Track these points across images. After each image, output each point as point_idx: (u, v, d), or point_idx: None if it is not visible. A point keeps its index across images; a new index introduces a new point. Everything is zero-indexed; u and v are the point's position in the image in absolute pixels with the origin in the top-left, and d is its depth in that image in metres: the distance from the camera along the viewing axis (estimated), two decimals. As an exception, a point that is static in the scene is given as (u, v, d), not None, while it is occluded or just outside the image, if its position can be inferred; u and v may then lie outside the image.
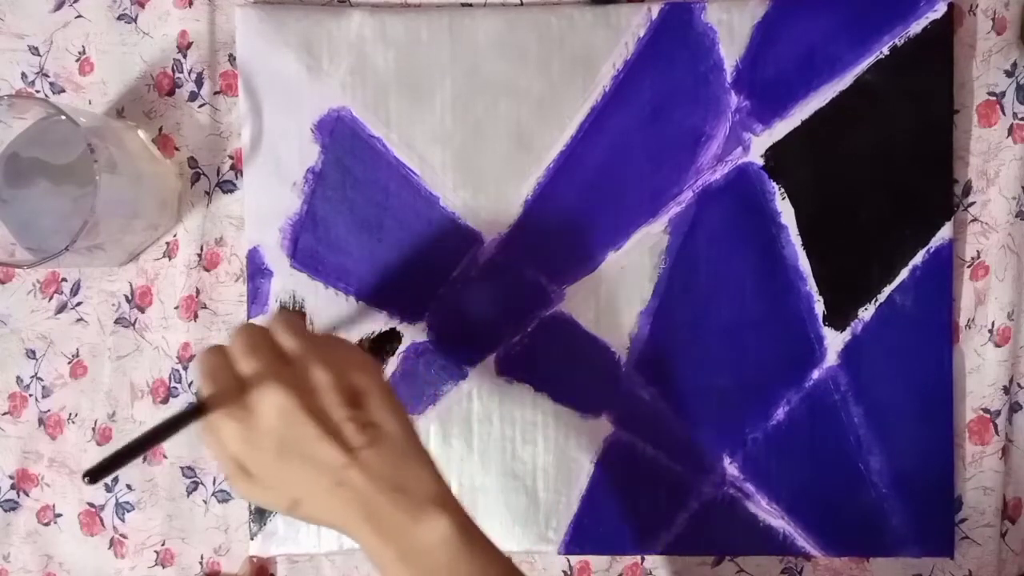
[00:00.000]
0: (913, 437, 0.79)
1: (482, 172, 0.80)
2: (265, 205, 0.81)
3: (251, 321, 0.66)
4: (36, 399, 0.84)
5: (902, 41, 0.78)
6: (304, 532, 0.82)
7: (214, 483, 0.83)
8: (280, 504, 0.64)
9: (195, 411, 0.62)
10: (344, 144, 0.81)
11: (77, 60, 0.84)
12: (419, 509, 0.62)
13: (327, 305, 0.82)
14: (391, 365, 0.82)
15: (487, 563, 0.63)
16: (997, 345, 0.79)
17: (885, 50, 0.78)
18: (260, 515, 0.82)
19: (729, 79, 0.79)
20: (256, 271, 0.81)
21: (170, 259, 0.83)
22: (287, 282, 0.81)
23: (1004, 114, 0.79)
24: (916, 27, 0.78)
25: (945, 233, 0.78)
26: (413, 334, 0.82)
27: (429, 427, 0.82)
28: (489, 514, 0.81)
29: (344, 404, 0.63)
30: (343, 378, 0.64)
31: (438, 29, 0.81)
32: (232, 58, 0.82)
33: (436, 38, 0.81)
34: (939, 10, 0.78)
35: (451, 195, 0.81)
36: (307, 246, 0.81)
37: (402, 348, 0.82)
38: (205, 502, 0.83)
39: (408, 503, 0.62)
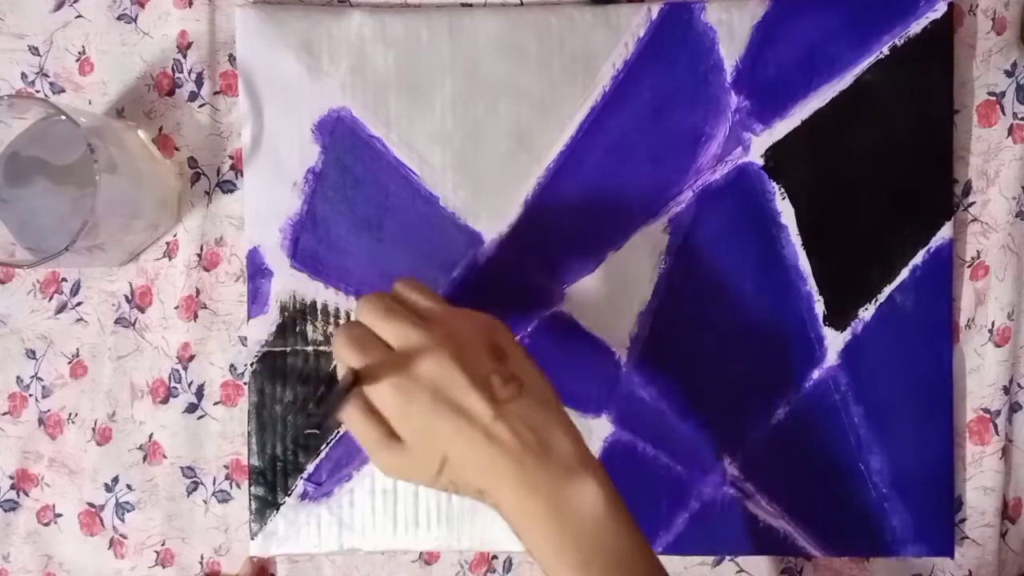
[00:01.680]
0: (913, 437, 0.79)
1: (482, 172, 0.80)
2: (265, 205, 0.81)
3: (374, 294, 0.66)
4: (36, 399, 0.84)
5: (902, 41, 0.78)
6: (304, 532, 0.82)
7: (214, 483, 0.83)
8: (428, 467, 0.63)
9: (353, 383, 0.62)
10: (344, 144, 0.81)
11: (77, 60, 0.84)
12: (568, 469, 0.61)
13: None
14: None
15: (633, 535, 0.62)
16: (997, 345, 0.79)
17: (885, 50, 0.79)
18: (260, 515, 0.82)
19: (729, 79, 0.80)
20: (256, 271, 0.81)
21: (170, 259, 0.83)
22: (287, 282, 0.81)
23: (1004, 114, 0.79)
24: (916, 27, 0.78)
25: (945, 233, 0.79)
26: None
27: (430, 428, 0.81)
28: (489, 514, 0.80)
29: (490, 357, 0.64)
30: (485, 334, 0.66)
31: (438, 29, 0.81)
32: (232, 58, 0.82)
33: (436, 38, 0.81)
34: (939, 10, 0.78)
35: (451, 195, 0.81)
36: (307, 246, 0.81)
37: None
38: (205, 502, 0.83)
39: (556, 462, 0.61)
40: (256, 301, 0.82)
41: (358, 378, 0.62)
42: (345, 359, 0.64)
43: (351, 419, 0.64)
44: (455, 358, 0.62)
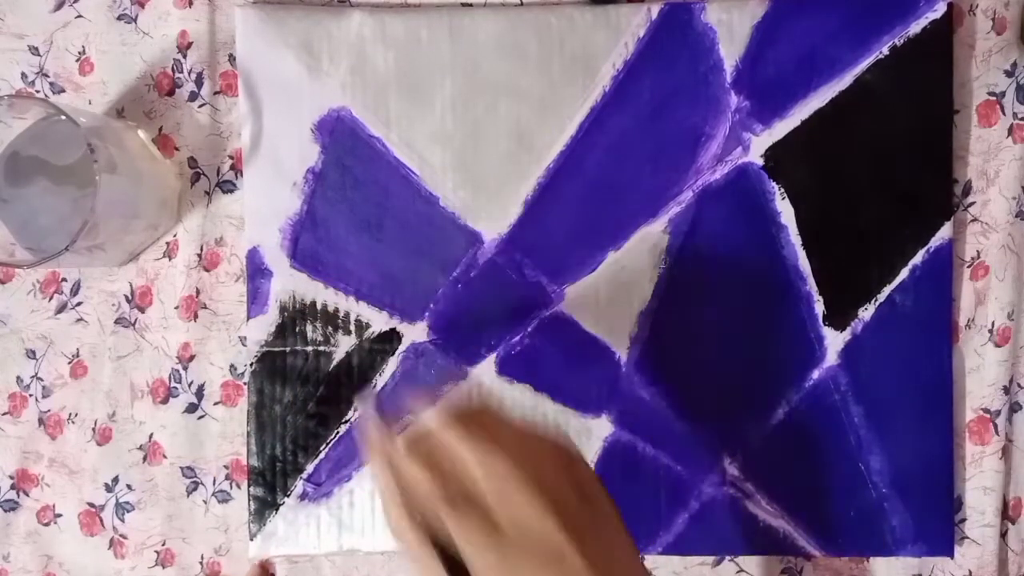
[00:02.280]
0: (913, 437, 0.79)
1: (482, 172, 0.80)
2: (265, 205, 0.81)
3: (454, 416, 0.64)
4: (36, 399, 0.84)
5: (902, 41, 0.78)
6: (304, 533, 0.82)
7: (214, 483, 0.83)
8: None
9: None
10: (344, 144, 0.81)
11: (77, 60, 0.84)
12: None
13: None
14: (391, 366, 0.82)
15: None
16: (997, 345, 0.79)
17: (885, 50, 0.79)
18: (259, 516, 0.82)
19: (729, 79, 0.79)
20: (256, 271, 0.81)
21: (170, 259, 0.83)
22: (287, 282, 0.81)
23: (1004, 114, 0.79)
24: (916, 27, 0.78)
25: (945, 233, 0.78)
26: (413, 334, 0.82)
27: (430, 429, 0.82)
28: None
29: (570, 484, 0.59)
30: (562, 458, 0.61)
31: (438, 29, 0.81)
32: (232, 58, 0.82)
33: (436, 38, 0.81)
34: (939, 10, 0.78)
35: (451, 195, 0.81)
36: (307, 246, 0.81)
37: (402, 348, 0.82)
38: (205, 502, 0.83)
39: None
40: (256, 301, 0.82)
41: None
42: (412, 478, 0.59)
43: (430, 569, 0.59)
44: (536, 485, 0.57)
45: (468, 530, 0.56)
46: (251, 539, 0.82)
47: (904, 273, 0.79)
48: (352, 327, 0.82)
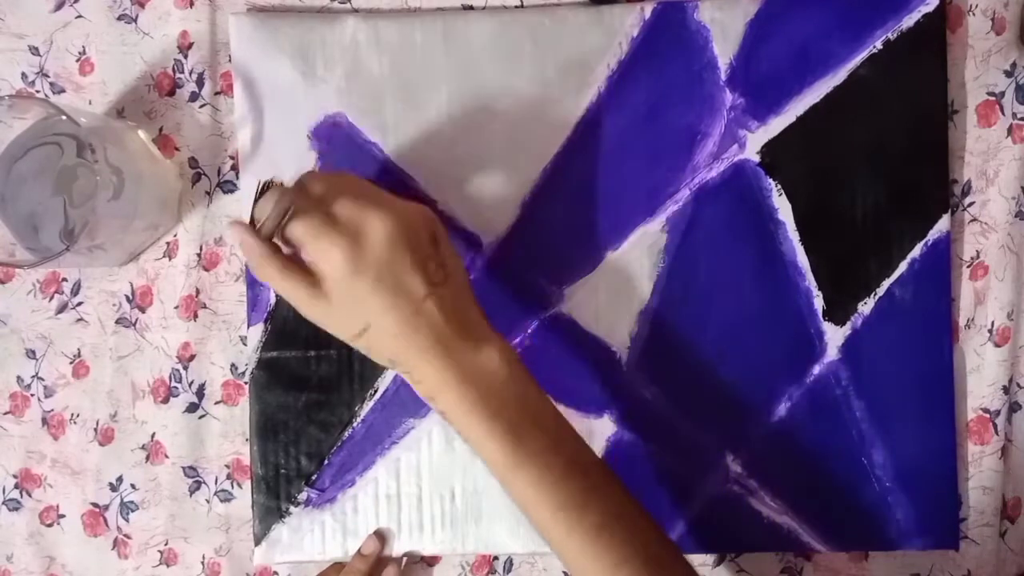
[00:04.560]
0: (915, 429, 0.79)
1: (479, 175, 0.80)
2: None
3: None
4: (39, 399, 0.84)
5: (895, 35, 0.79)
6: (308, 539, 0.82)
7: (216, 483, 0.83)
8: (348, 328, 0.69)
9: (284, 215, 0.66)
10: (341, 150, 0.81)
11: (77, 60, 0.84)
12: (479, 340, 0.69)
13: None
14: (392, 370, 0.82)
15: (536, 391, 0.70)
16: (997, 345, 0.79)
17: (878, 44, 0.79)
18: (264, 523, 0.82)
19: (723, 77, 0.80)
20: (255, 278, 0.82)
21: (170, 259, 0.83)
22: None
23: (1003, 114, 0.80)
24: (908, 21, 0.78)
25: (943, 226, 0.79)
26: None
27: (431, 431, 0.82)
28: (493, 517, 0.81)
29: (429, 243, 0.69)
30: (427, 223, 0.71)
31: (432, 33, 0.81)
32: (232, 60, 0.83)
33: (430, 42, 0.81)
34: (931, 3, 0.78)
35: (448, 198, 0.81)
36: (308, 252, 0.82)
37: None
38: (207, 501, 0.83)
39: (470, 335, 0.69)
40: (256, 308, 0.82)
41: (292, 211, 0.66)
42: (275, 205, 0.66)
43: (271, 272, 0.67)
44: (406, 240, 0.66)
45: (329, 255, 0.65)
46: (256, 545, 0.82)
47: (903, 267, 0.79)
48: (353, 330, 0.82)
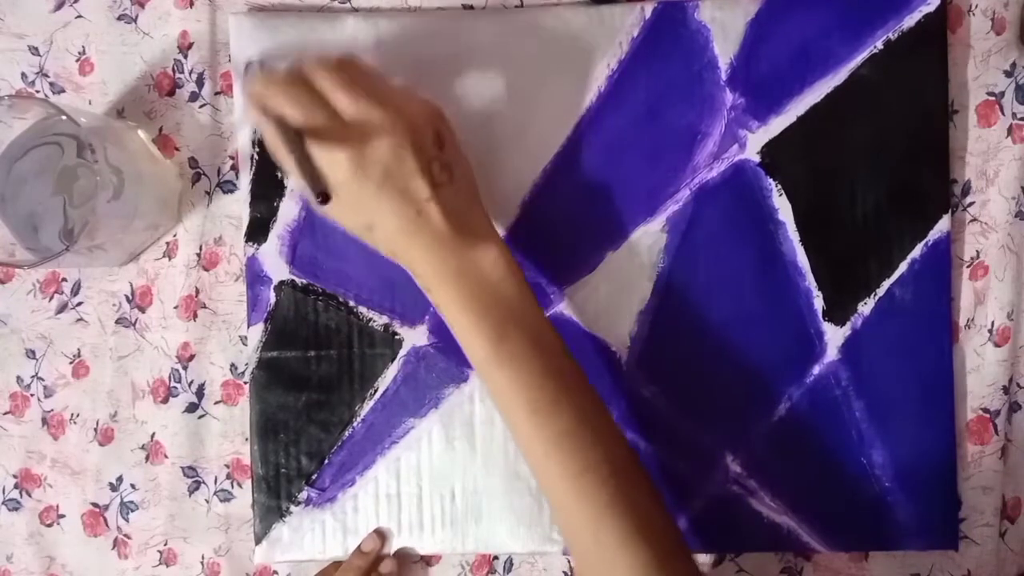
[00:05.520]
0: (915, 430, 0.79)
1: (479, 175, 0.79)
2: (264, 212, 0.82)
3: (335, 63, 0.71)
4: (39, 399, 0.84)
5: (896, 35, 0.79)
6: (309, 538, 0.82)
7: (215, 482, 0.83)
8: (354, 224, 0.71)
9: (298, 137, 0.67)
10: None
11: (77, 60, 0.84)
12: (478, 238, 0.71)
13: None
14: (392, 370, 0.82)
15: (525, 293, 0.71)
16: (997, 345, 0.79)
17: (879, 44, 0.79)
18: (264, 522, 0.82)
19: (724, 77, 0.80)
20: (256, 278, 0.82)
21: (170, 259, 0.83)
22: (286, 289, 0.82)
23: (1003, 114, 0.80)
24: (909, 20, 0.78)
25: (943, 226, 0.79)
26: (414, 338, 0.82)
27: (432, 430, 0.82)
28: (494, 516, 0.81)
29: (434, 143, 0.70)
30: (433, 120, 0.72)
31: (431, 33, 0.81)
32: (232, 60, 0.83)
33: (429, 42, 0.81)
34: (932, 3, 0.78)
35: (448, 198, 0.81)
36: (306, 252, 0.82)
37: (403, 351, 0.82)
38: (207, 501, 0.83)
39: (470, 234, 0.70)
40: (256, 308, 0.82)
41: (299, 134, 0.66)
42: (286, 113, 0.67)
43: (287, 161, 0.68)
44: (410, 144, 0.68)
45: (335, 161, 0.67)
46: (256, 544, 0.82)
47: (903, 267, 0.79)
48: (353, 332, 0.82)
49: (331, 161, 0.67)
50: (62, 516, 0.85)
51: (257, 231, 0.82)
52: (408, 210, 0.68)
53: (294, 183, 0.73)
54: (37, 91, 0.84)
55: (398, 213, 0.68)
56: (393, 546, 0.82)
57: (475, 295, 0.70)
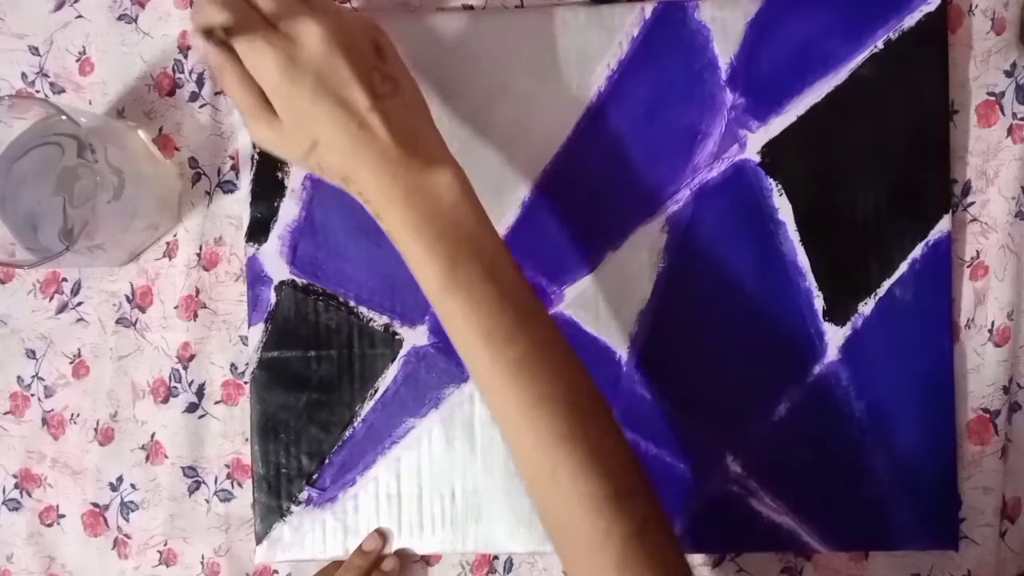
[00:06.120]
0: (915, 430, 0.79)
1: (479, 175, 0.79)
2: (264, 212, 0.82)
3: None
4: (39, 399, 0.84)
5: (896, 34, 0.78)
6: (309, 538, 0.82)
7: (215, 483, 0.83)
8: (299, 146, 0.67)
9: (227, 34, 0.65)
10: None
11: (77, 60, 0.84)
12: (429, 159, 0.67)
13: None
14: (392, 370, 0.82)
15: (483, 219, 0.69)
16: (997, 345, 0.79)
17: (879, 44, 0.78)
18: (265, 522, 0.82)
19: (724, 77, 0.80)
20: (256, 278, 0.82)
21: (170, 259, 0.83)
22: (287, 289, 0.82)
23: (1003, 114, 0.79)
24: (910, 20, 0.78)
25: (943, 226, 0.78)
26: (414, 338, 0.82)
27: (432, 430, 0.82)
28: (494, 517, 0.81)
29: (373, 54, 0.68)
30: (370, 31, 0.69)
31: (432, 33, 0.81)
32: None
33: (430, 42, 0.81)
34: (932, 3, 0.78)
35: (448, 198, 0.81)
36: (306, 252, 0.82)
37: (404, 351, 0.82)
38: (207, 501, 0.83)
39: (419, 153, 0.67)
40: (256, 308, 0.82)
41: (231, 31, 0.64)
42: (211, 17, 0.65)
43: (229, 79, 0.66)
44: (343, 50, 0.65)
45: (264, 62, 0.64)
46: (257, 544, 0.82)
47: (904, 267, 0.79)
48: (353, 332, 0.82)
49: (259, 65, 0.65)
50: (62, 516, 0.85)
51: (257, 231, 0.82)
52: (349, 123, 0.65)
53: (236, 96, 0.68)
54: (37, 91, 0.84)
55: (338, 126, 0.65)
56: (393, 546, 0.82)
57: (427, 219, 0.67)
